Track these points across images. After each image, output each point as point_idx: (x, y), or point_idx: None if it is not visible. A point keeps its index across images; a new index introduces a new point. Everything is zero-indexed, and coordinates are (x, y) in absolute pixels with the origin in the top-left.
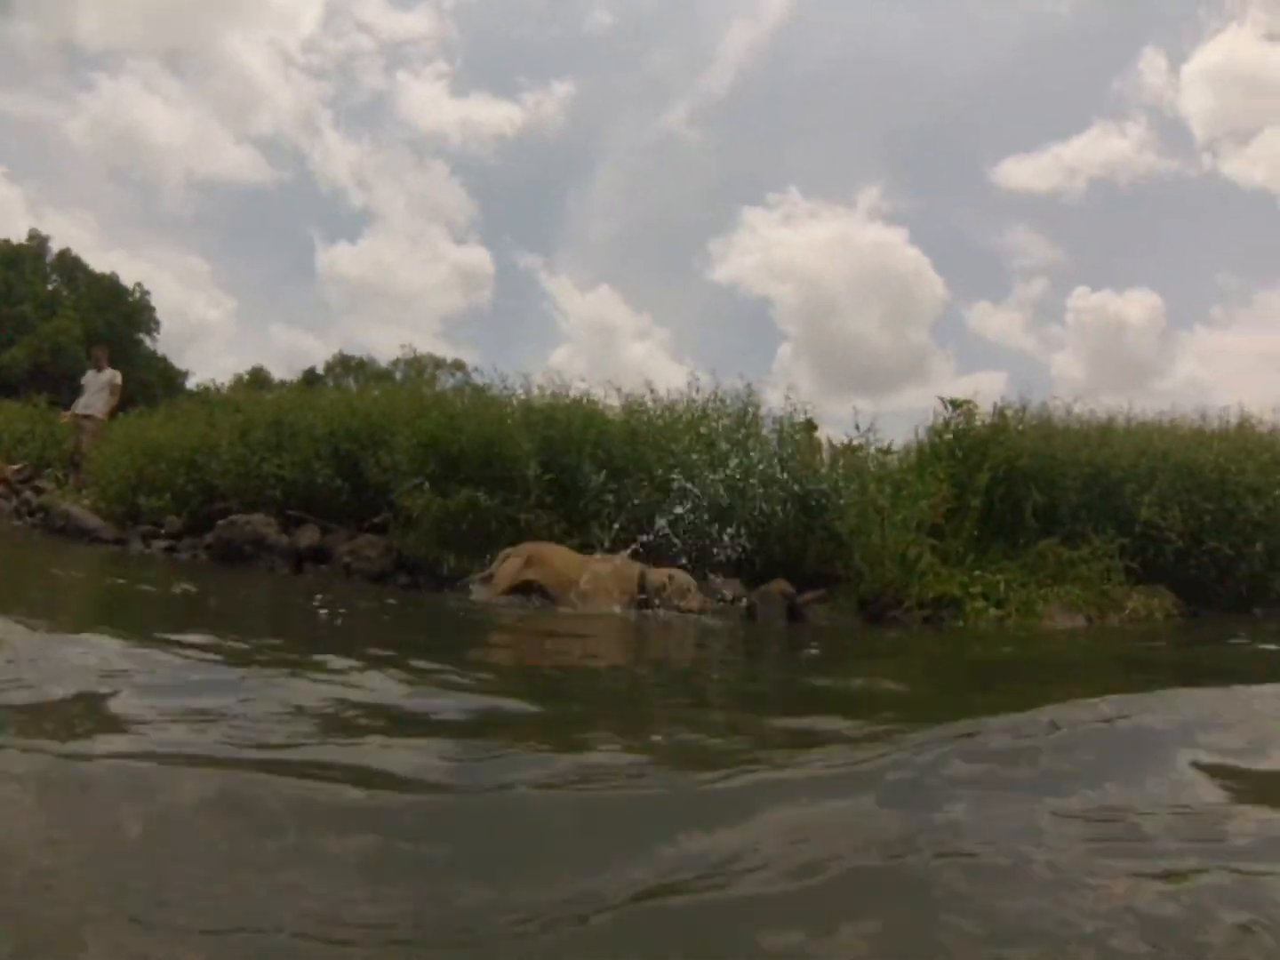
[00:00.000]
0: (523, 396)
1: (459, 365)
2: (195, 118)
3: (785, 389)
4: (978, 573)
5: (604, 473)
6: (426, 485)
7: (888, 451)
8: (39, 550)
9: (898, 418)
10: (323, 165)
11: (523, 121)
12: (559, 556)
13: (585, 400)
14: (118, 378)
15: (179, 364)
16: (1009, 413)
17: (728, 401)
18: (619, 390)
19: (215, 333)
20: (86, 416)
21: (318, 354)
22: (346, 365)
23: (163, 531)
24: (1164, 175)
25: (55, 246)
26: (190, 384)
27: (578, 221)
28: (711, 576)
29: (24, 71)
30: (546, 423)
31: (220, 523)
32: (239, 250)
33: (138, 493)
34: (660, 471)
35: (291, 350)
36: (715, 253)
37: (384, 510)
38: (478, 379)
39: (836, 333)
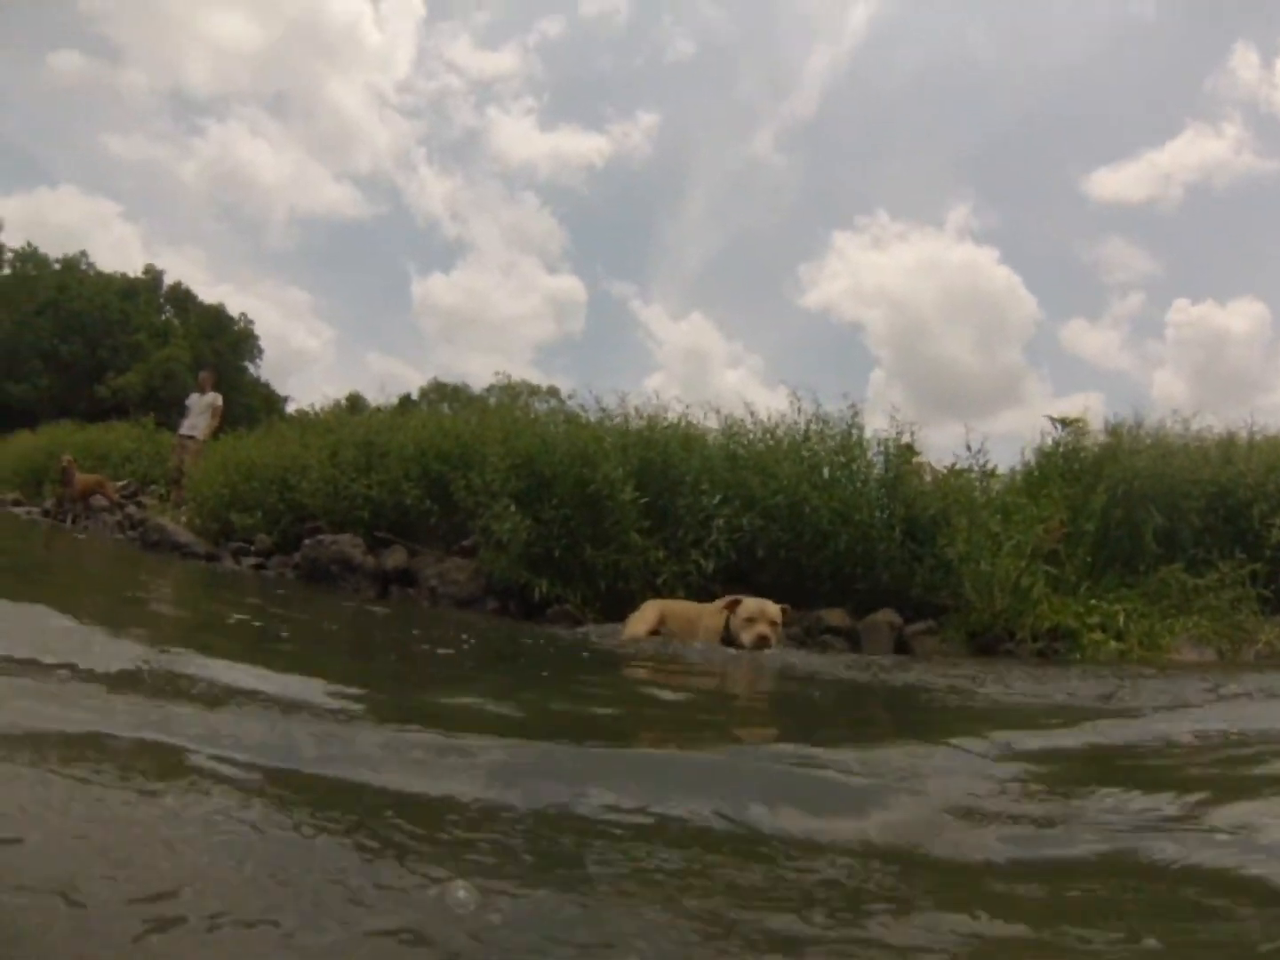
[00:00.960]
0: (618, 419)
1: (553, 392)
2: (297, 158)
3: (889, 409)
4: (1094, 602)
5: (718, 496)
6: (512, 506)
7: (993, 474)
8: (131, 565)
9: (994, 441)
10: (418, 200)
11: (610, 152)
12: (690, 610)
13: (683, 423)
14: (219, 400)
15: (281, 389)
16: (1122, 431)
17: (830, 424)
18: (718, 412)
19: (315, 361)
20: (189, 437)
21: (413, 381)
22: (442, 391)
23: (253, 549)
24: (1264, 176)
25: (168, 280)
26: (290, 408)
27: (668, 249)
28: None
29: (138, 117)
30: (644, 445)
31: (307, 542)
32: (338, 282)
33: (231, 510)
34: (764, 497)
35: (387, 377)
36: (805, 278)
37: (473, 534)
38: (572, 405)
39: (928, 356)
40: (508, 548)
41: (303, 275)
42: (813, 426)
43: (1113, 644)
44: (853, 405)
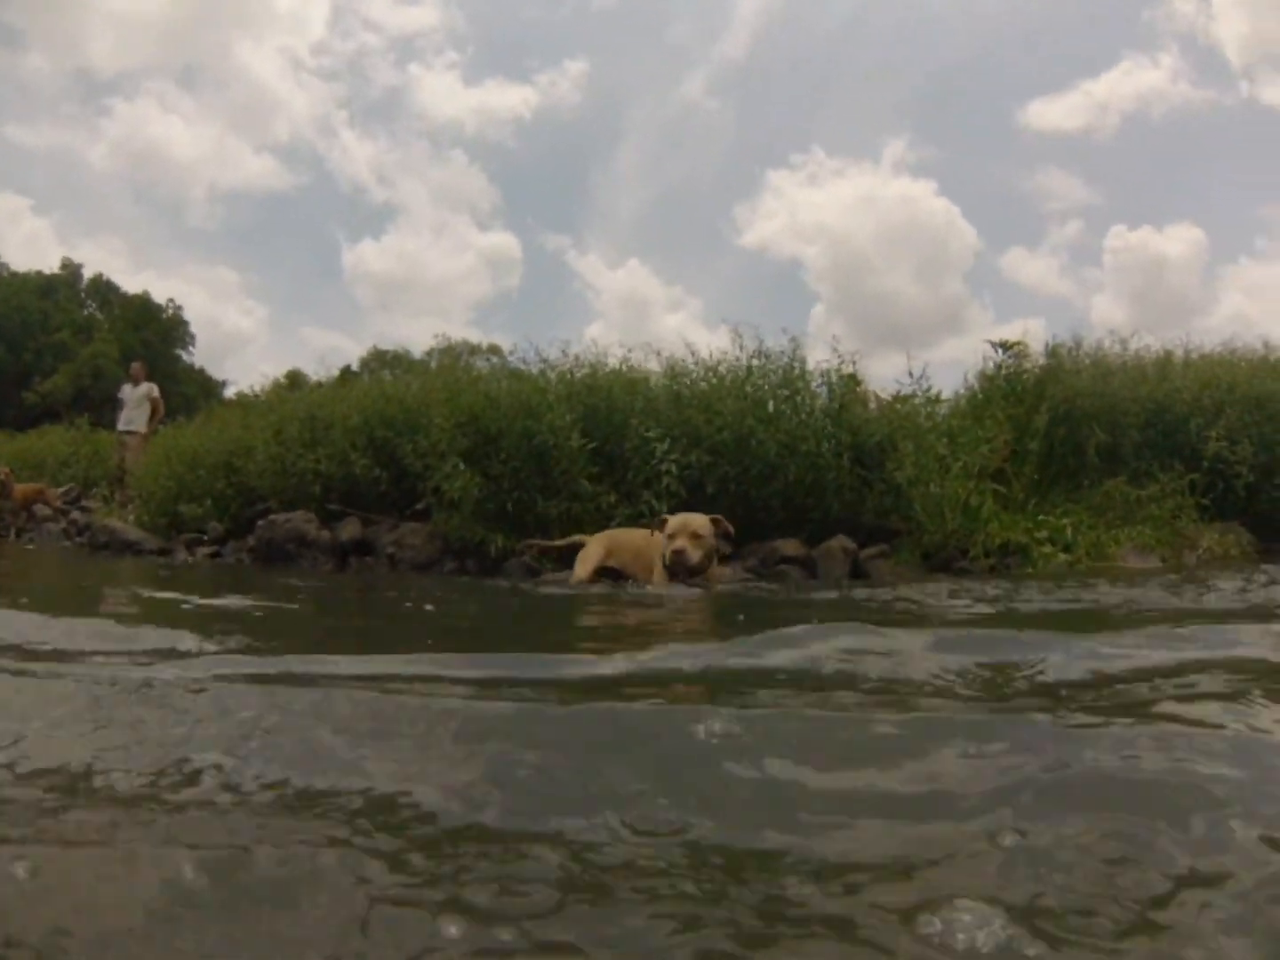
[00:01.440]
0: (561, 369)
1: (495, 349)
2: (213, 132)
3: (830, 340)
4: (1042, 517)
5: (666, 439)
6: (461, 465)
7: (937, 400)
8: (78, 569)
9: (937, 369)
10: (342, 165)
11: (538, 103)
12: (636, 539)
13: (625, 367)
14: (155, 390)
15: (218, 374)
16: (1062, 351)
17: (771, 358)
18: (659, 354)
19: (250, 341)
20: (129, 432)
21: (352, 352)
22: (382, 359)
23: (206, 538)
24: (1200, 105)
25: (87, 273)
26: (229, 392)
27: (602, 198)
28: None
29: (42, 103)
30: (588, 391)
31: (260, 524)
32: (266, 258)
33: (179, 501)
34: (709, 434)
35: (326, 351)
36: (742, 218)
37: (425, 497)
38: (514, 361)
39: (868, 290)
40: (460, 506)
41: (229, 254)
42: (754, 362)
43: (1061, 556)
44: (793, 339)
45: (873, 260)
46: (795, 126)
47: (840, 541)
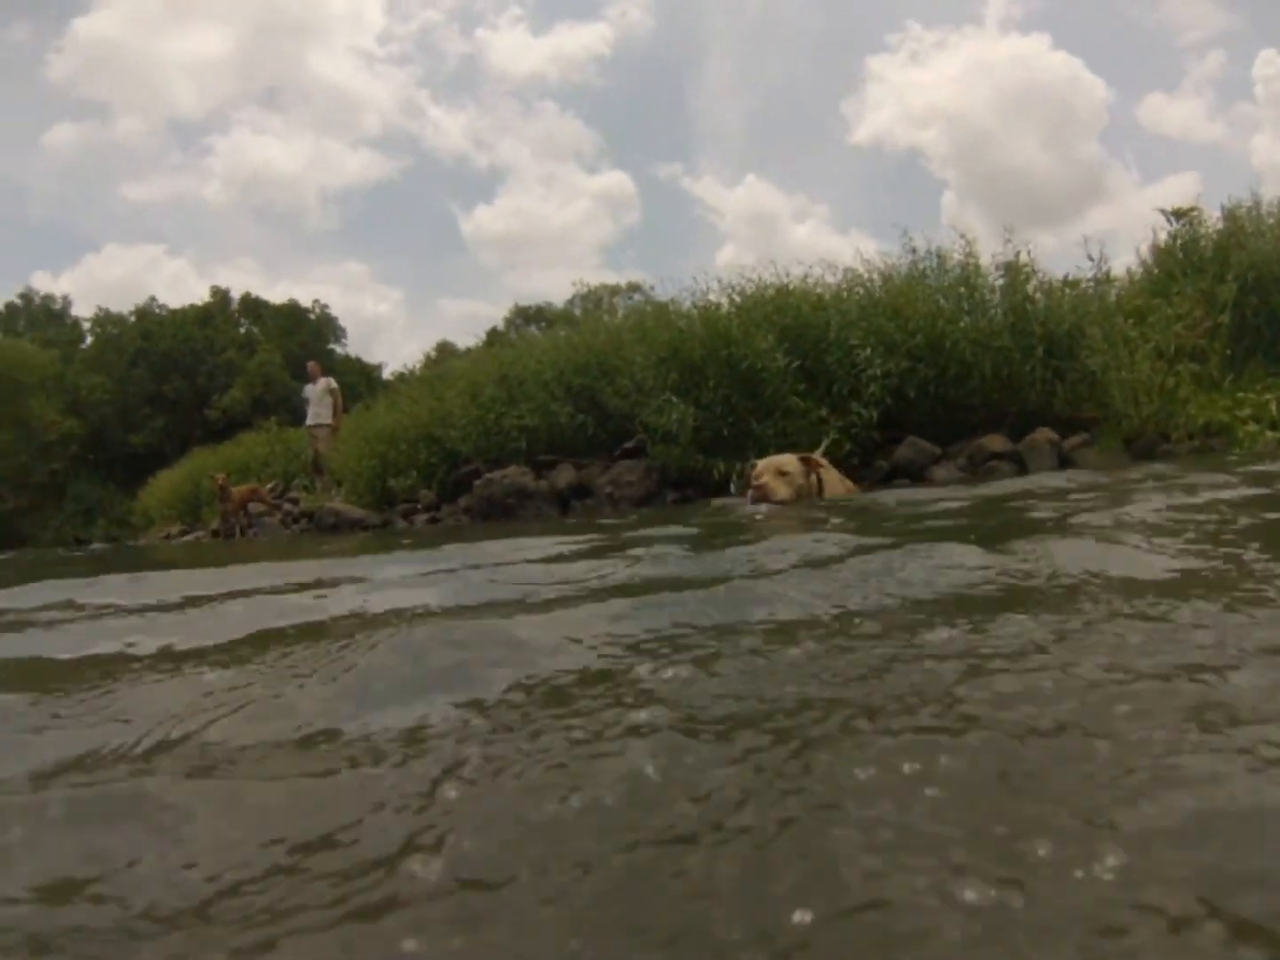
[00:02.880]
0: (750, 293)
1: (635, 287)
2: (308, 140)
3: (1003, 232)
4: (1241, 394)
5: (868, 348)
6: (674, 399)
7: (1109, 280)
8: (319, 546)
9: (1084, 247)
10: (437, 141)
11: (614, 37)
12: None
13: (806, 282)
14: (333, 383)
15: (370, 360)
16: (1240, 213)
17: (945, 256)
18: (834, 268)
19: (391, 324)
20: (317, 425)
21: (491, 314)
22: (525, 315)
23: (419, 506)
24: None
25: (235, 295)
26: (386, 374)
27: (703, 118)
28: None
29: (147, 159)
30: (778, 312)
31: (477, 483)
32: (388, 244)
33: (385, 477)
34: (902, 339)
35: (466, 318)
36: (850, 113)
37: (635, 435)
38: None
39: (997, 167)
40: (677, 438)
41: (353, 248)
42: (927, 264)
43: (1269, 434)
44: (964, 236)
45: (995, 134)
46: (883, 2)
47: (1045, 434)
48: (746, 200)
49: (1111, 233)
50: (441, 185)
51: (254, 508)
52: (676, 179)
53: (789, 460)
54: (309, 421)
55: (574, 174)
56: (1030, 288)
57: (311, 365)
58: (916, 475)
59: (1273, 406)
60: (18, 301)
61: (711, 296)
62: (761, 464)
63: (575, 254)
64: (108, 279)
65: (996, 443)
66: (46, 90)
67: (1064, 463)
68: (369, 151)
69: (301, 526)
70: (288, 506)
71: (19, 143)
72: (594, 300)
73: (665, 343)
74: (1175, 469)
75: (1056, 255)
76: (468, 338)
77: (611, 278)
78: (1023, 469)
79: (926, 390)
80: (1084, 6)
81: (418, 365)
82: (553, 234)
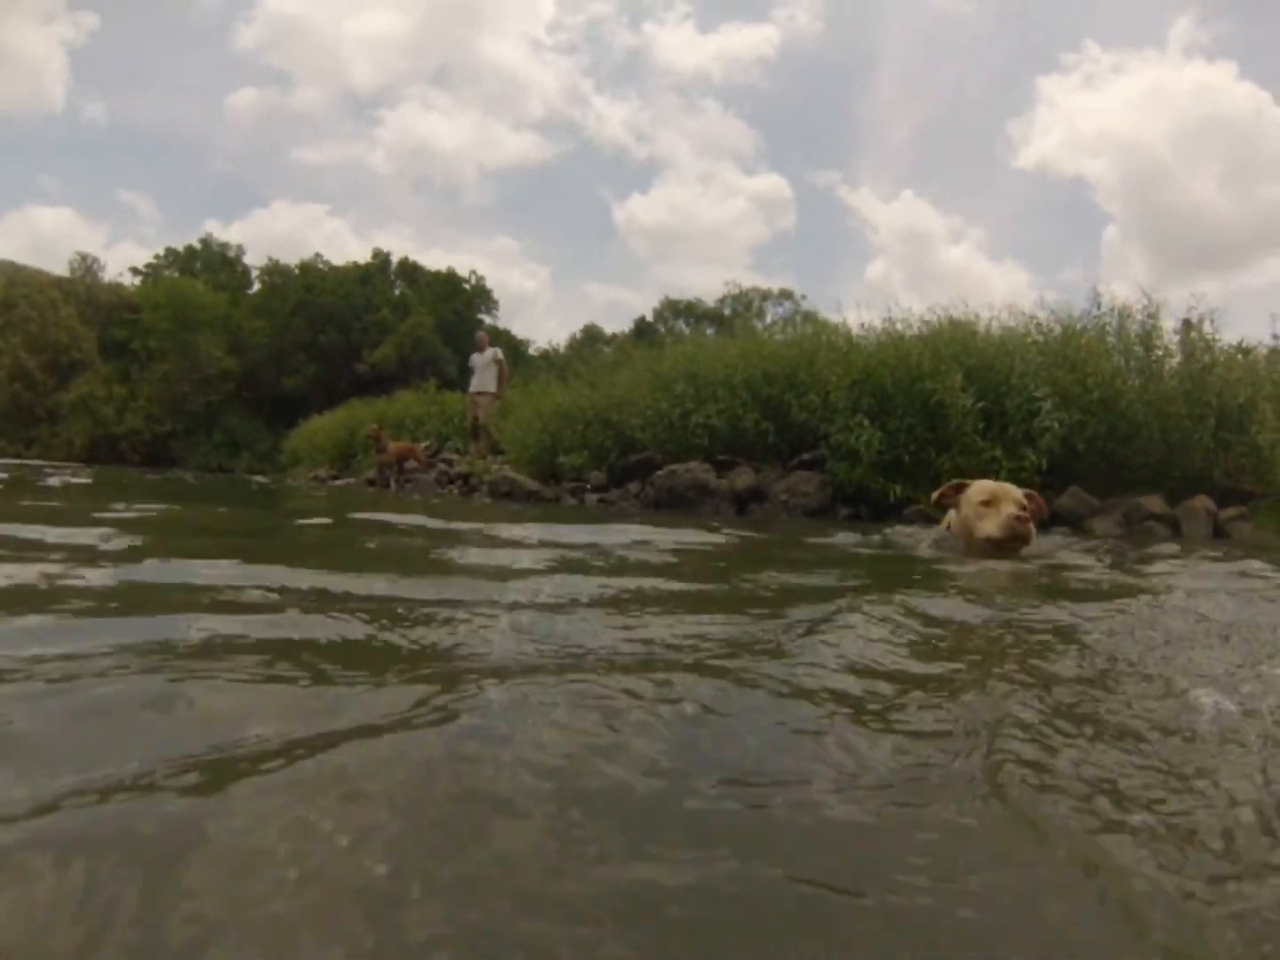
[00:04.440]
0: (937, 328)
1: (785, 294)
2: (473, 120)
3: (1189, 297)
4: None
5: (1049, 398)
6: (865, 421)
7: None
8: (502, 512)
9: (1260, 295)
10: (598, 130)
11: (780, 40)
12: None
13: (995, 325)
14: (499, 354)
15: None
16: None
17: (1128, 317)
18: (1020, 313)
19: (535, 300)
20: (481, 393)
21: (635, 303)
22: (675, 309)
23: (589, 486)
24: None
25: (394, 258)
26: (531, 351)
27: (866, 128)
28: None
29: (321, 126)
30: (965, 352)
31: (659, 473)
32: (540, 223)
33: (555, 454)
34: (1079, 394)
35: (609, 304)
36: (1016, 135)
37: (812, 447)
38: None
39: (1168, 203)
40: (861, 457)
41: (505, 224)
42: (1106, 320)
43: None
44: (1146, 294)
45: (1170, 168)
46: (1061, 19)
47: (1203, 501)
48: (901, 216)
49: None
50: (598, 172)
51: (409, 464)
52: (833, 187)
53: (1017, 492)
54: (473, 389)
55: (731, 172)
56: (1207, 359)
57: (480, 335)
58: (1075, 525)
59: None
60: (196, 245)
61: (899, 326)
62: (988, 488)
63: (726, 253)
64: (274, 230)
65: (1155, 504)
66: (234, 57)
67: (1218, 533)
68: (530, 134)
69: (458, 487)
70: (442, 466)
71: (206, 103)
72: (744, 303)
73: (860, 367)
74: None
75: (1221, 301)
76: (614, 324)
77: (762, 281)
78: (1177, 532)
79: (1095, 445)
80: (1276, 35)
81: (561, 345)
82: (705, 230)
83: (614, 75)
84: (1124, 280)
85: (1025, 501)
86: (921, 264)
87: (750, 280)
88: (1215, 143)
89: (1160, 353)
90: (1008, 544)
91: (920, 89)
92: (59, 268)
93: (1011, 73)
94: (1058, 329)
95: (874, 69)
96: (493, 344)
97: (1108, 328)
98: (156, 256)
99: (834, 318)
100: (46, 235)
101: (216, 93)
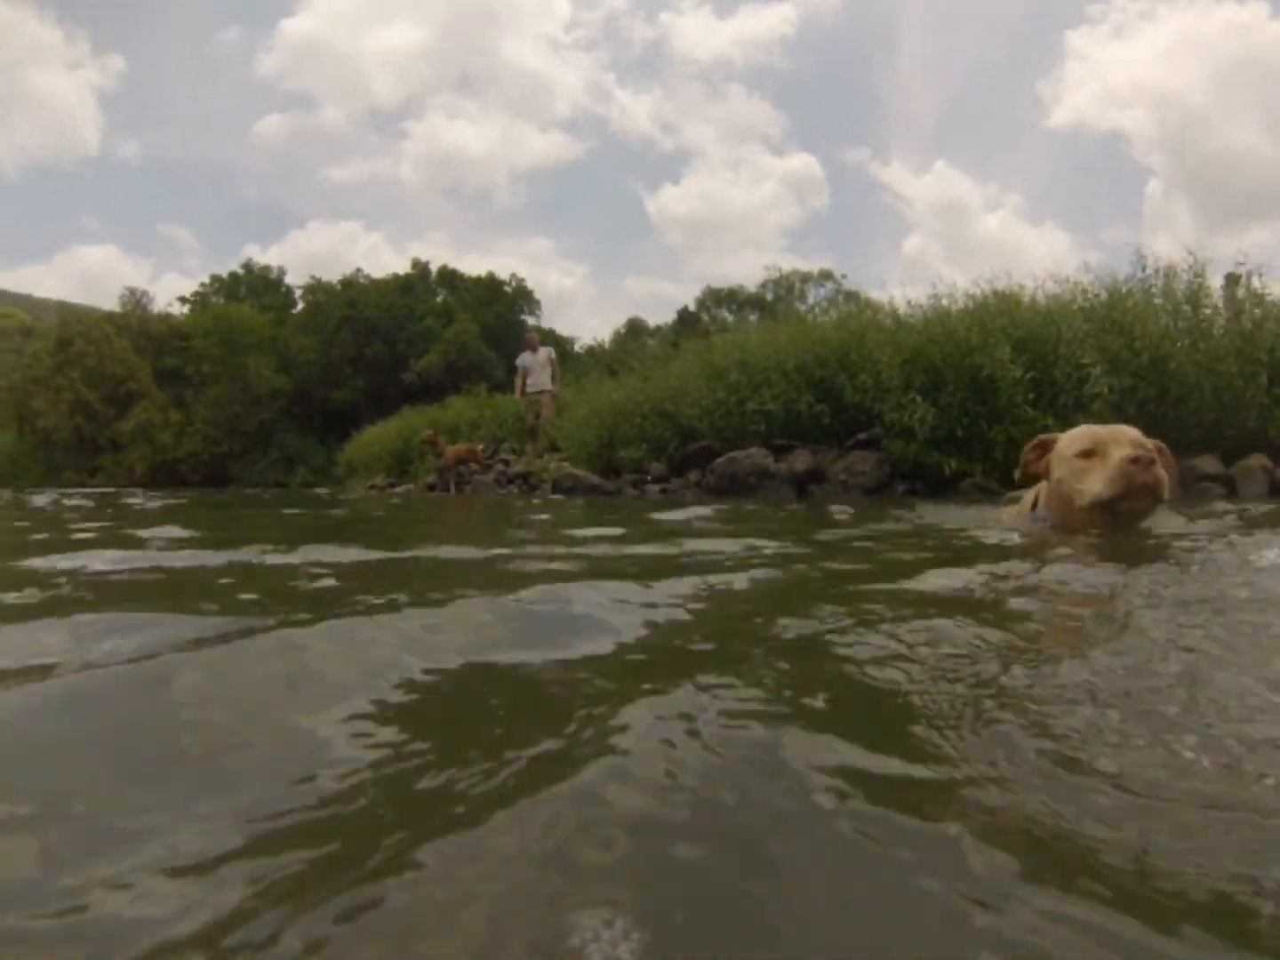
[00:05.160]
0: (984, 302)
1: (826, 274)
2: (499, 124)
3: (1236, 253)
4: None
5: (1097, 364)
6: (918, 398)
7: None
8: (570, 507)
9: None
10: (624, 123)
11: (798, 18)
12: None
13: (1043, 293)
14: (552, 353)
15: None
16: None
17: (1174, 276)
18: (1077, 284)
19: (576, 298)
20: (539, 392)
21: (674, 294)
22: (717, 297)
23: (649, 477)
24: None
25: (433, 266)
26: (577, 348)
27: (892, 101)
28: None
29: (348, 144)
30: (1013, 324)
31: (719, 460)
32: (574, 221)
33: (613, 447)
34: (1128, 358)
35: (649, 297)
36: (1047, 94)
37: (866, 426)
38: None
39: (1210, 153)
40: (915, 434)
41: (539, 224)
42: (1151, 282)
43: None
44: (1190, 253)
45: (1208, 115)
46: None
47: (1259, 459)
48: (935, 188)
49: None
50: (628, 166)
51: (470, 467)
52: (864, 164)
53: (1133, 431)
54: (530, 389)
55: (760, 155)
56: (1258, 313)
57: (531, 335)
58: None
59: None
60: (239, 271)
61: (944, 302)
62: (1089, 431)
63: (761, 237)
64: (311, 250)
65: (1209, 464)
66: (257, 85)
67: (1274, 490)
68: (558, 133)
69: (518, 486)
70: (500, 467)
71: (234, 132)
72: (785, 286)
73: (910, 346)
74: None
75: (1271, 250)
76: (656, 316)
77: (799, 262)
78: (1233, 492)
79: (1146, 409)
80: None
81: (606, 340)
82: (738, 216)
83: (635, 68)
84: (1169, 235)
85: (1147, 442)
86: (959, 235)
87: (788, 263)
88: (1252, 85)
89: (1209, 311)
90: (1127, 502)
91: (944, 56)
92: (108, 303)
93: (1037, 30)
94: (1103, 294)
95: (896, 38)
96: (544, 344)
97: (1153, 289)
98: (202, 285)
99: (879, 296)
100: (93, 272)
101: (244, 121)
